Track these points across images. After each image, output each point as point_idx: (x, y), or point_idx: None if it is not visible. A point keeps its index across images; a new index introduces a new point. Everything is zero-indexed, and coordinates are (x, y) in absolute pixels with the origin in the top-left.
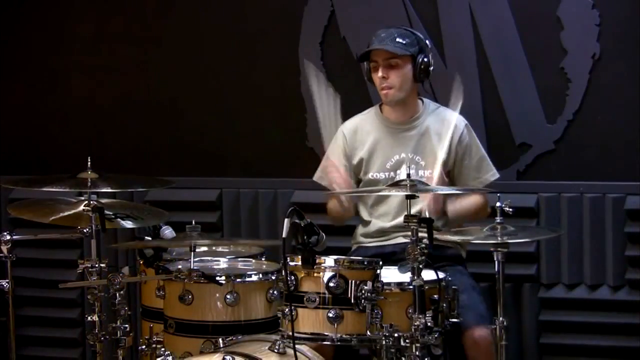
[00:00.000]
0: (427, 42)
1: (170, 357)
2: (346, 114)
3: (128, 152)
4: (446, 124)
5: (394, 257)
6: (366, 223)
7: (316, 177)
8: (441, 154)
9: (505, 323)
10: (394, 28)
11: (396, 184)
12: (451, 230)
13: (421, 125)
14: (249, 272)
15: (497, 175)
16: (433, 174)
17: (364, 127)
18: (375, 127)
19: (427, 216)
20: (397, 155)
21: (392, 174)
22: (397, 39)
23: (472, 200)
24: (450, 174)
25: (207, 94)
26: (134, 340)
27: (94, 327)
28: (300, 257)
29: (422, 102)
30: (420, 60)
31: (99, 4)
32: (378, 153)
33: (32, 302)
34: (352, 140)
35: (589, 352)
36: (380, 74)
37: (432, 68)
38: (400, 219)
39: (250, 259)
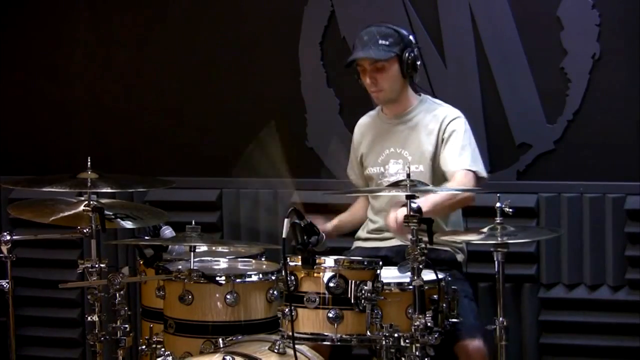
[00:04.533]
0: (410, 37)
1: (170, 357)
2: (346, 114)
3: (128, 152)
4: (437, 118)
5: (388, 260)
6: (367, 219)
7: (350, 176)
8: (428, 148)
9: (505, 323)
10: (374, 27)
11: (396, 184)
12: (450, 231)
13: (412, 119)
14: (248, 272)
15: (480, 168)
16: (419, 168)
17: (368, 122)
18: (375, 122)
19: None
20: (387, 149)
21: (381, 168)
22: (380, 41)
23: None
24: (438, 166)
25: (207, 94)
26: (134, 340)
27: (94, 327)
28: (300, 257)
29: (420, 96)
30: (406, 57)
31: (98, 5)
32: (374, 148)
33: (32, 302)
34: (357, 136)
35: (589, 352)
36: (368, 80)
37: (419, 62)
38: None
39: (250, 259)
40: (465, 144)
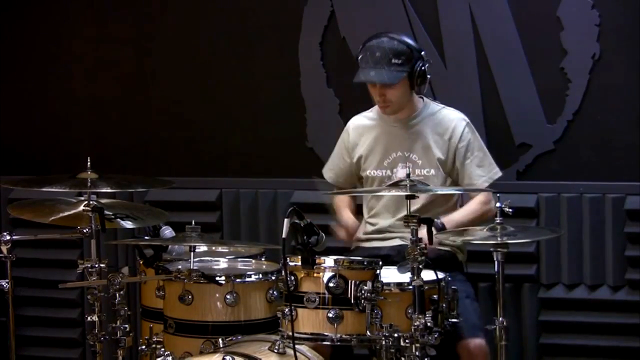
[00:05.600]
0: (421, 52)
1: (170, 357)
2: (347, 114)
3: (128, 152)
4: (445, 123)
5: (389, 259)
6: (364, 222)
7: (327, 176)
8: (437, 153)
9: (505, 323)
10: (386, 40)
11: (396, 184)
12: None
13: (419, 124)
14: (248, 272)
15: (500, 173)
16: (431, 172)
17: (367, 124)
18: (376, 124)
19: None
20: (394, 153)
21: (388, 171)
22: (393, 60)
23: (471, 209)
24: (452, 175)
25: (207, 94)
26: (134, 340)
27: (94, 327)
28: (300, 257)
29: (423, 100)
30: (417, 71)
31: (98, 4)
32: (376, 151)
33: (32, 302)
34: (354, 137)
35: (589, 352)
36: (377, 97)
37: (429, 76)
38: (397, 219)
39: (250, 259)
40: (480, 154)
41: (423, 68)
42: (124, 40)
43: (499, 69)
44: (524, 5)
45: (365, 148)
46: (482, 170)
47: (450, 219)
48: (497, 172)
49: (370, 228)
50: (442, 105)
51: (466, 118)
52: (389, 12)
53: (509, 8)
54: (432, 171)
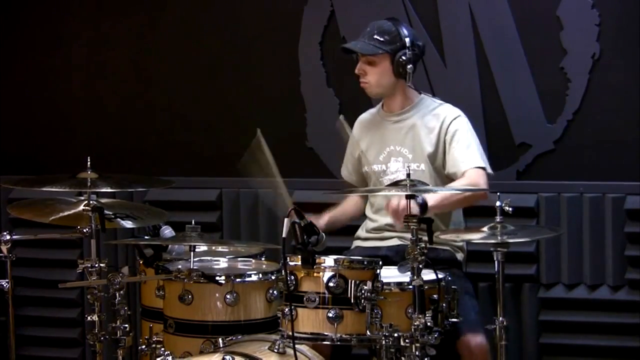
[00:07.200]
0: (408, 41)
1: (170, 357)
2: (347, 115)
3: (128, 152)
4: (438, 117)
5: (387, 260)
6: (366, 218)
7: (343, 174)
8: (427, 147)
9: (505, 323)
10: (382, 20)
11: (396, 184)
12: (450, 230)
13: (411, 117)
14: (248, 272)
15: (487, 165)
16: (420, 167)
17: (368, 120)
18: (376, 120)
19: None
20: (387, 147)
21: (383, 166)
22: (375, 36)
23: (456, 185)
24: (440, 165)
25: (207, 94)
26: (134, 340)
27: (94, 327)
28: (300, 257)
29: (420, 94)
30: (398, 57)
31: (98, 4)
32: (374, 146)
33: (32, 302)
34: (357, 134)
35: (588, 352)
36: (357, 70)
37: (410, 66)
38: None
39: (250, 259)
40: (470, 142)
41: (404, 57)
42: (124, 40)
43: (499, 69)
44: (524, 4)
45: (365, 143)
46: (465, 156)
47: (434, 196)
48: (483, 162)
49: (370, 225)
50: (441, 102)
51: (462, 113)
52: (389, 12)
53: (509, 8)
54: (422, 166)
